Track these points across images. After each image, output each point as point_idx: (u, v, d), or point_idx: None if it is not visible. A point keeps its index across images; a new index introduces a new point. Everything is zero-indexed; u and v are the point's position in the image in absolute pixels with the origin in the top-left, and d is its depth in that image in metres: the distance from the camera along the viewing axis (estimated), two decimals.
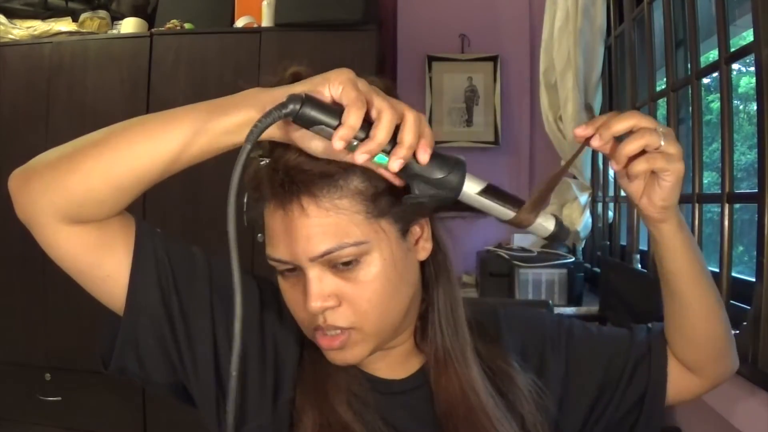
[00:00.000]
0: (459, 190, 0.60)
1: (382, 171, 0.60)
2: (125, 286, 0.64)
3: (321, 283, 0.63)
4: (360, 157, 0.54)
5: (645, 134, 0.60)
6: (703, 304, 0.72)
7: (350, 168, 0.61)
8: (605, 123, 0.60)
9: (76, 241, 0.61)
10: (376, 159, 0.57)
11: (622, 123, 0.60)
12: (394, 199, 0.64)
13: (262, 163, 0.63)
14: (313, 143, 0.58)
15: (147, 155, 0.59)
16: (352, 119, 0.53)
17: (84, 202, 0.59)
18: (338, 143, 0.53)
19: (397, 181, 0.61)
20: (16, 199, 0.61)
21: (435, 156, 0.58)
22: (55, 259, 0.63)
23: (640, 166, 0.60)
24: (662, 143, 0.60)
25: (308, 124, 0.55)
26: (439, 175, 0.58)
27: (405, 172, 0.58)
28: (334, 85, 0.55)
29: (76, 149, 0.60)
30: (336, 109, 0.55)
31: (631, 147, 0.60)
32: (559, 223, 0.63)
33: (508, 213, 0.61)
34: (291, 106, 0.53)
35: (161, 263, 0.66)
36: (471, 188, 0.60)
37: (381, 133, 0.54)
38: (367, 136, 0.55)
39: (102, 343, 0.68)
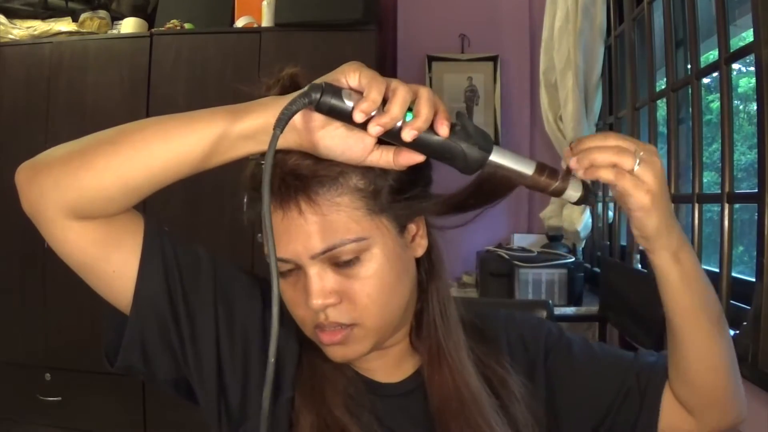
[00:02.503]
0: (489, 149, 0.59)
1: (407, 161, 0.60)
2: (132, 282, 0.64)
3: (322, 281, 0.63)
4: (373, 129, 0.54)
5: (620, 152, 0.58)
6: (704, 348, 0.68)
7: (349, 166, 0.61)
8: (585, 146, 0.59)
9: (83, 236, 0.61)
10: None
11: (594, 141, 0.59)
12: (392, 196, 0.64)
13: (262, 165, 0.64)
14: (331, 144, 0.58)
15: (162, 156, 0.58)
16: (374, 93, 0.54)
17: (94, 198, 0.59)
18: (359, 115, 0.54)
19: (422, 158, 0.60)
20: (23, 193, 0.61)
21: (459, 126, 0.58)
22: (60, 254, 0.62)
23: (601, 172, 0.58)
24: (636, 167, 0.58)
25: (330, 110, 0.56)
26: (464, 142, 0.58)
27: (429, 149, 0.58)
28: (350, 75, 0.56)
29: (89, 145, 0.60)
30: (356, 96, 0.56)
31: (600, 157, 0.58)
32: (586, 187, 0.61)
33: (527, 171, 0.60)
34: (314, 95, 0.55)
35: (168, 261, 0.66)
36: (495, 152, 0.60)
37: (395, 107, 0.55)
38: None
39: (107, 341, 0.68)
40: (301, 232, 0.62)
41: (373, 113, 0.54)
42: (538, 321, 0.84)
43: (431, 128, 0.57)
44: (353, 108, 0.55)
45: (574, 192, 0.61)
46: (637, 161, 0.57)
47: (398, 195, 0.65)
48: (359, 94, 0.56)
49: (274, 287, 0.54)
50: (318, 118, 0.57)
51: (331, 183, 0.62)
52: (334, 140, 0.58)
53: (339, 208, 0.62)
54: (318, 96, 0.55)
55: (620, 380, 0.75)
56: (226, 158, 0.60)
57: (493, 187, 0.62)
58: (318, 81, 0.57)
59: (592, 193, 0.62)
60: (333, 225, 0.62)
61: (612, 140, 0.59)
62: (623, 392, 0.74)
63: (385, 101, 0.55)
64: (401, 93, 0.55)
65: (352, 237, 0.62)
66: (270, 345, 0.54)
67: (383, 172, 0.63)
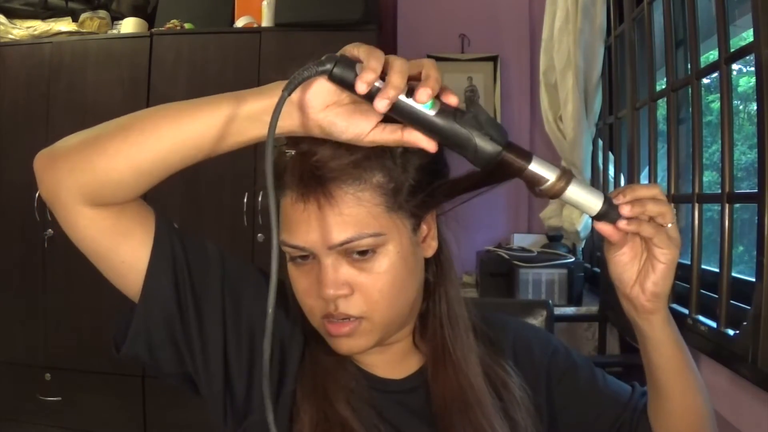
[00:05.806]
0: (503, 142, 0.57)
1: (414, 139, 0.59)
2: (141, 274, 0.65)
3: (336, 272, 0.64)
4: (380, 104, 0.54)
5: (663, 205, 0.61)
6: (685, 400, 0.71)
7: (373, 163, 0.62)
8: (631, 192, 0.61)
9: (95, 224, 0.63)
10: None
11: (648, 190, 0.61)
12: (411, 195, 0.66)
13: (287, 153, 0.65)
14: (335, 127, 0.58)
15: (171, 140, 0.60)
16: (373, 62, 0.54)
17: (106, 182, 0.61)
18: (361, 86, 0.54)
19: (431, 147, 0.59)
20: (40, 179, 0.63)
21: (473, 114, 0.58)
22: (74, 240, 0.64)
23: (644, 226, 0.60)
24: (669, 225, 0.61)
25: (341, 81, 0.56)
26: (482, 127, 0.57)
27: (439, 133, 0.57)
28: (349, 52, 0.57)
29: (103, 131, 0.62)
30: None
31: (646, 193, 0.60)
32: (608, 200, 0.60)
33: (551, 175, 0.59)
34: (327, 65, 0.55)
35: (178, 256, 0.67)
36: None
37: (395, 76, 0.54)
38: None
39: (117, 327, 0.69)
40: (320, 224, 0.63)
41: (377, 84, 0.54)
42: (546, 337, 0.85)
43: (440, 111, 0.56)
44: (355, 80, 0.54)
45: (595, 199, 0.59)
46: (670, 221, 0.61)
47: (416, 193, 0.66)
48: None
49: (273, 270, 0.54)
50: (320, 98, 0.57)
51: (354, 179, 0.63)
52: (337, 117, 0.58)
53: (360, 202, 0.63)
54: (331, 66, 0.55)
55: (618, 413, 0.77)
56: (233, 142, 0.60)
57: (501, 173, 0.61)
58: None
59: (614, 207, 0.60)
60: (352, 219, 0.63)
61: (654, 190, 0.62)
62: (618, 424, 0.77)
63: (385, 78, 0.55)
64: (398, 63, 0.56)
65: (370, 231, 0.63)
66: (266, 331, 0.54)
67: (404, 170, 0.65)
